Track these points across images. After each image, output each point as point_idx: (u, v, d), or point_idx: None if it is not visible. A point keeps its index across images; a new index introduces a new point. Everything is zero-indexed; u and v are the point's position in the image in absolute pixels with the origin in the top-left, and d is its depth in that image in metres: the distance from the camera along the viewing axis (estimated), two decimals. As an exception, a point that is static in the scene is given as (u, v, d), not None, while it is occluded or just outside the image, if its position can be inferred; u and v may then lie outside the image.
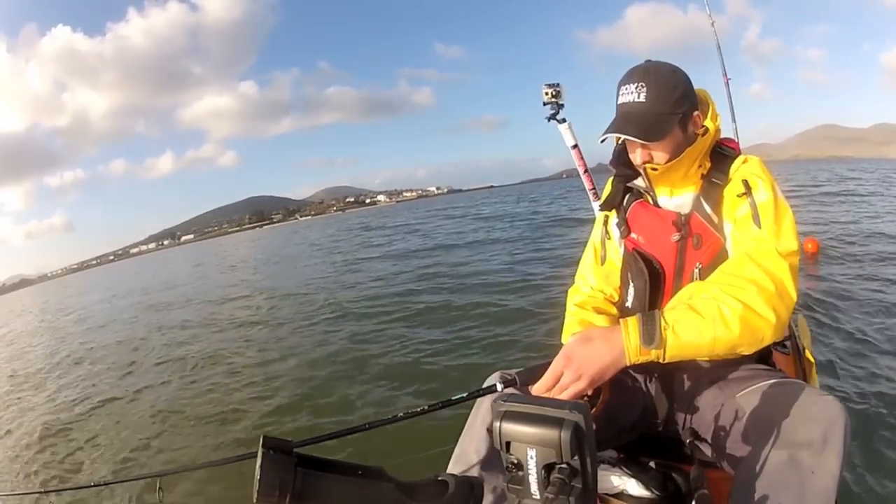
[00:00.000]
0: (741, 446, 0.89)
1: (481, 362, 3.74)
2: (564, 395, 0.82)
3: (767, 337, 0.84)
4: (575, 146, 2.27)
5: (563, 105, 2.17)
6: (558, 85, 2.13)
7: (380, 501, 0.50)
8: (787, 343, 1.57)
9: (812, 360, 1.39)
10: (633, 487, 1.01)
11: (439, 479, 0.57)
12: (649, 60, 1.04)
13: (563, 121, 2.21)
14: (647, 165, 1.03)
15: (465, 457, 0.94)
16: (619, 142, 1.12)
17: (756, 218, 0.93)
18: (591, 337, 0.85)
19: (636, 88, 0.99)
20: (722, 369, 1.05)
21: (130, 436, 3.58)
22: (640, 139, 0.99)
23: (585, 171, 2.33)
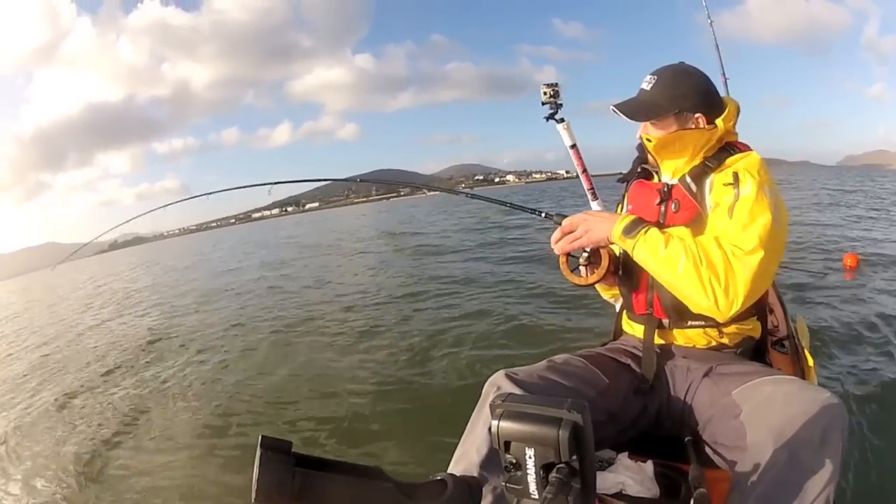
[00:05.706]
0: (739, 445, 0.89)
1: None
2: (572, 243, 1.11)
3: (701, 308, 0.96)
4: (573, 146, 2.27)
5: (561, 105, 2.18)
6: (556, 84, 2.15)
7: (378, 501, 0.50)
8: (786, 343, 1.57)
9: (811, 360, 1.40)
10: (632, 487, 1.01)
11: (438, 479, 0.56)
12: (681, 62, 1.19)
13: (562, 120, 2.21)
14: (644, 136, 1.18)
15: (467, 456, 0.94)
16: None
17: (731, 209, 1.01)
18: (600, 214, 1.14)
19: (650, 80, 1.16)
20: (719, 365, 1.07)
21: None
22: (625, 116, 1.15)
23: (584, 171, 2.33)
